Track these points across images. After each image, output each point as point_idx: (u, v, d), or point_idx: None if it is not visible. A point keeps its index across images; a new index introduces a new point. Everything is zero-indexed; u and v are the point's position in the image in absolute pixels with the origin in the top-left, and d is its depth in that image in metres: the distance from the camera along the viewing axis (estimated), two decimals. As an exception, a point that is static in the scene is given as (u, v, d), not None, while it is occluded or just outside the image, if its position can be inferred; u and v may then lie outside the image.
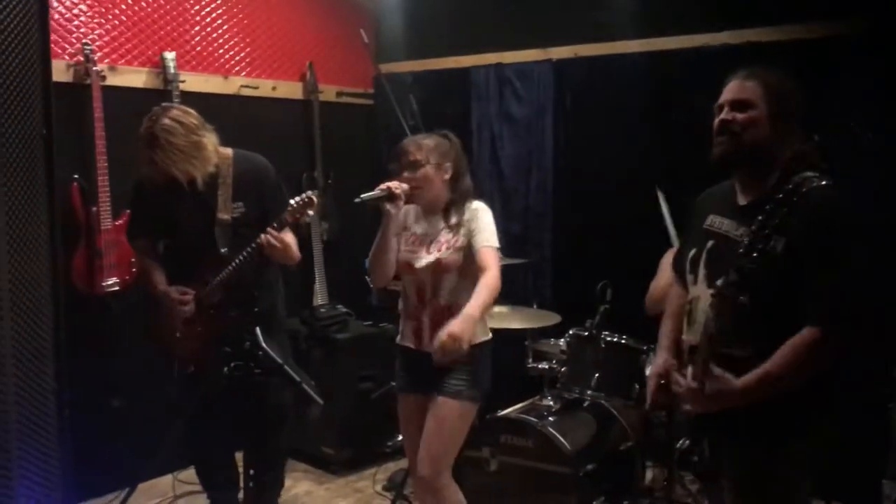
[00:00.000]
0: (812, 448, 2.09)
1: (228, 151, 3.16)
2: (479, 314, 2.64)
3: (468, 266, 2.79)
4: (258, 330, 2.47)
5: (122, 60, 4.03)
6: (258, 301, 3.00)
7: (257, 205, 3.11)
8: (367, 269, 2.87)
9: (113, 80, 3.93)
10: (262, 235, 2.94)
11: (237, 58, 4.55)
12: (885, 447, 1.58)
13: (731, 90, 2.11)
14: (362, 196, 2.71)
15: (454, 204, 2.84)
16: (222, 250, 3.07)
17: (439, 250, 2.80)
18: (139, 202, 3.30)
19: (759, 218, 1.97)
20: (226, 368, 2.50)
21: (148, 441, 3.65)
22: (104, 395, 3.94)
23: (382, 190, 2.73)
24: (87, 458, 3.81)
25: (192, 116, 3.04)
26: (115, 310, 3.84)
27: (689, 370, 2.03)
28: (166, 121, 2.96)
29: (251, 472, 2.71)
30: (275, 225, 2.95)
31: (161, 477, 4.05)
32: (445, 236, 2.82)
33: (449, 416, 2.80)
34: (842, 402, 2.11)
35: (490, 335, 2.91)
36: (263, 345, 2.42)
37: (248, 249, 3.00)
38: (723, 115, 2.10)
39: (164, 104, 3.13)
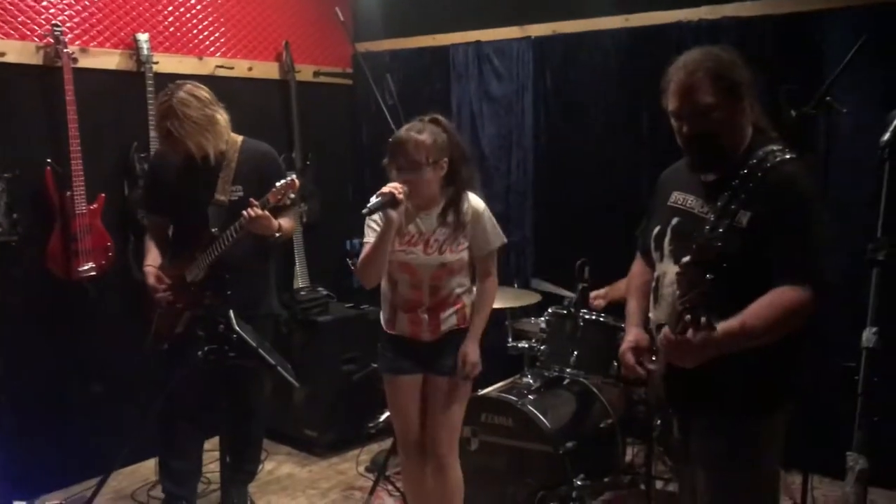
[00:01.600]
0: (783, 420, 2.10)
1: (238, 138, 3.25)
2: (481, 331, 2.88)
3: (466, 264, 2.86)
4: (231, 313, 2.46)
5: (94, 42, 3.98)
6: (240, 286, 2.99)
7: (257, 191, 3.13)
8: (358, 270, 2.80)
9: (85, 62, 3.88)
10: (244, 212, 2.97)
11: (211, 38, 4.51)
12: (853, 419, 1.61)
13: (679, 93, 2.03)
14: (369, 206, 2.61)
15: (452, 203, 2.79)
16: (213, 230, 3.12)
17: (441, 252, 2.77)
18: (152, 179, 3.43)
19: (726, 194, 1.99)
20: (200, 352, 2.49)
21: (128, 426, 3.66)
22: (83, 381, 3.93)
23: (385, 195, 2.64)
24: (68, 444, 3.83)
25: (205, 91, 3.15)
26: (92, 295, 3.82)
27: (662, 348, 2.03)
28: (181, 94, 3.07)
29: (227, 457, 2.70)
30: (256, 204, 2.98)
31: (143, 462, 4.06)
32: (445, 236, 2.78)
33: (458, 395, 2.90)
34: (812, 374, 2.12)
35: None
36: (237, 328, 2.41)
37: (232, 228, 3.04)
38: (683, 132, 2.04)
39: (178, 81, 3.19)
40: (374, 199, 2.63)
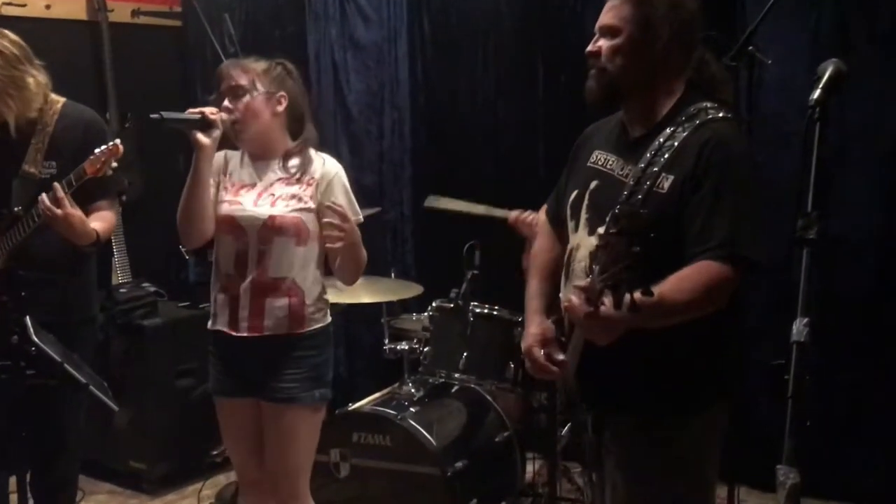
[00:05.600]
0: (719, 422, 2.18)
1: (59, 100, 3.10)
2: (359, 254, 2.73)
3: (310, 235, 2.73)
4: (28, 320, 2.35)
5: None
6: (49, 285, 2.92)
7: (74, 169, 2.98)
8: (178, 224, 2.77)
9: None
10: (41, 197, 2.81)
11: (-5, -33, 4.28)
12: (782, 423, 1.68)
13: (603, 12, 2.14)
14: (164, 113, 2.60)
15: (296, 151, 2.77)
16: (16, 208, 2.96)
17: (273, 204, 2.71)
18: None
19: (648, 155, 2.04)
20: (-13, 370, 2.38)
21: None
22: None
23: (193, 114, 2.63)
24: None
25: (14, 46, 2.97)
26: None
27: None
28: None
29: (31, 500, 2.60)
30: (71, 179, 2.83)
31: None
32: (284, 189, 2.74)
33: (294, 426, 2.77)
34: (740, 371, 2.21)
35: (330, 319, 2.87)
36: (35, 339, 2.31)
37: (33, 213, 2.90)
38: (589, 46, 2.14)
39: None
40: (178, 113, 2.65)
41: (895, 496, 3.64)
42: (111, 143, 2.82)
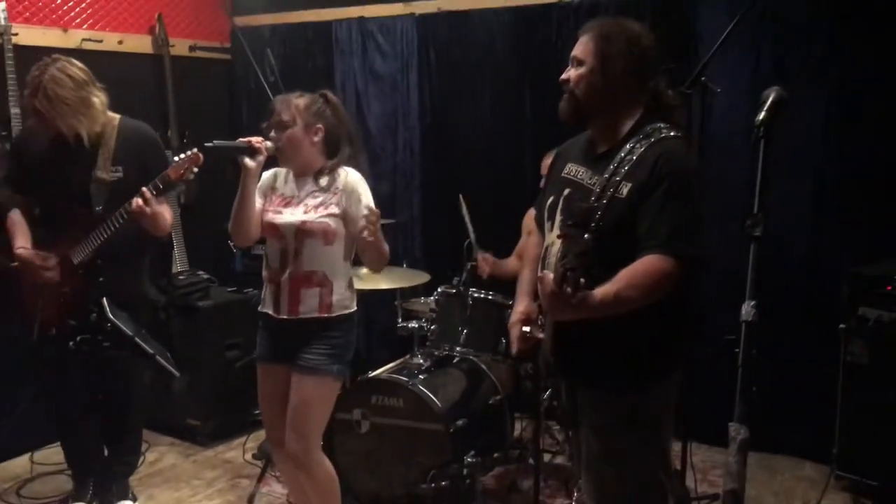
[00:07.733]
0: (672, 392, 2.17)
1: (115, 116, 3.11)
2: (382, 246, 2.69)
3: (336, 235, 2.73)
4: (105, 301, 2.33)
5: (-58, 10, 3.67)
6: (113, 271, 2.85)
7: (138, 172, 3.01)
8: (230, 228, 2.79)
9: (-68, 31, 3.58)
10: (134, 199, 2.83)
11: (77, 9, 4.24)
12: (728, 389, 1.69)
13: (575, 46, 2.16)
14: (215, 142, 2.63)
15: (327, 169, 2.76)
16: (97, 209, 2.98)
17: (306, 212, 2.72)
18: (18, 158, 3.24)
19: (611, 167, 2.06)
20: (71, 343, 2.36)
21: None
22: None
23: (243, 142, 2.66)
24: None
25: (81, 71, 2.99)
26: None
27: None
28: (54, 71, 2.90)
29: (104, 448, 2.59)
30: (157, 183, 2.84)
31: (16, 458, 3.84)
32: (314, 199, 2.74)
33: (312, 393, 2.75)
34: (695, 346, 2.20)
35: (355, 308, 2.85)
36: (111, 316, 2.29)
37: (121, 212, 2.90)
38: (563, 74, 2.16)
39: (54, 55, 2.99)
40: (229, 141, 2.67)
41: (823, 448, 3.60)
42: (191, 152, 2.79)
